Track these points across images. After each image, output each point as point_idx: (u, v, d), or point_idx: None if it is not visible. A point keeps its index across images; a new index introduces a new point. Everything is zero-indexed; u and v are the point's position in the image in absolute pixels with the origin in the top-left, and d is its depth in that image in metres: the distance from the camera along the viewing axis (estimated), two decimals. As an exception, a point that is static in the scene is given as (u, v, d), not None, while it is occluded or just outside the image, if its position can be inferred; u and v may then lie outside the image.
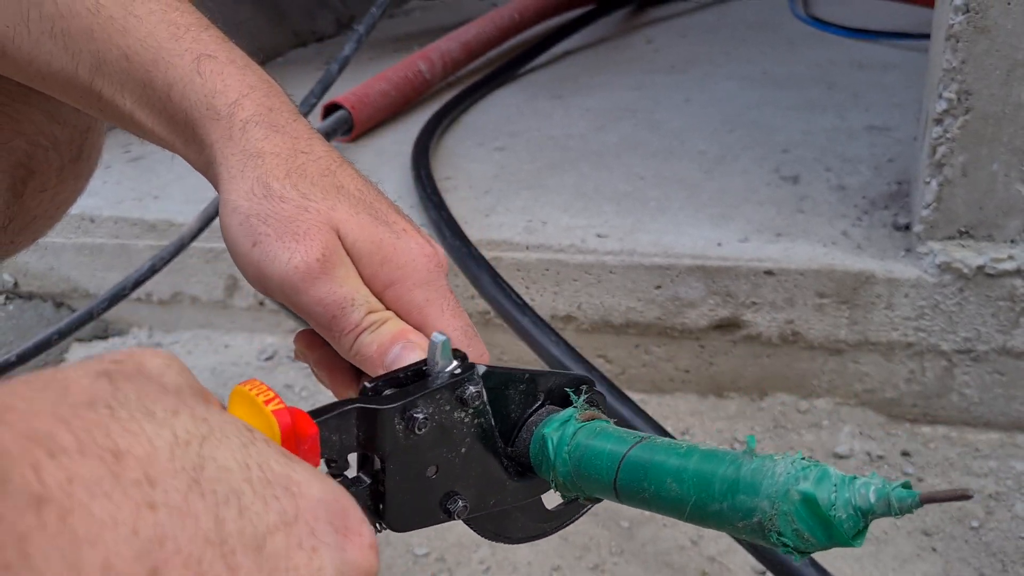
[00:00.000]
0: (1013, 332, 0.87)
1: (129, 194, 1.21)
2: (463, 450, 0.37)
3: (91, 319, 0.95)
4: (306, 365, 0.91)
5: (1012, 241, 0.85)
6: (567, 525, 0.44)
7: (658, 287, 0.96)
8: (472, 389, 0.37)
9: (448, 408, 0.37)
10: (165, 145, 0.46)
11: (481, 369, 0.38)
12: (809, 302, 0.92)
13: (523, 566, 0.78)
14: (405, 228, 0.43)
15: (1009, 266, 0.84)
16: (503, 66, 1.58)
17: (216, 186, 0.44)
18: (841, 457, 0.89)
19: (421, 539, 0.82)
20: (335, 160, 0.44)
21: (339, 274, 0.41)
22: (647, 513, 0.84)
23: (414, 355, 0.40)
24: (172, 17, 0.44)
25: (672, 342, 0.99)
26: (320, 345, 0.44)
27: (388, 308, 0.43)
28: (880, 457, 0.89)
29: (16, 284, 1.25)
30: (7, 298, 1.26)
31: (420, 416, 0.36)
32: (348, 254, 0.42)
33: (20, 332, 1.20)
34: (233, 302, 1.16)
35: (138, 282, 0.93)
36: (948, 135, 0.82)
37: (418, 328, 0.42)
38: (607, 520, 0.83)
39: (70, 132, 0.58)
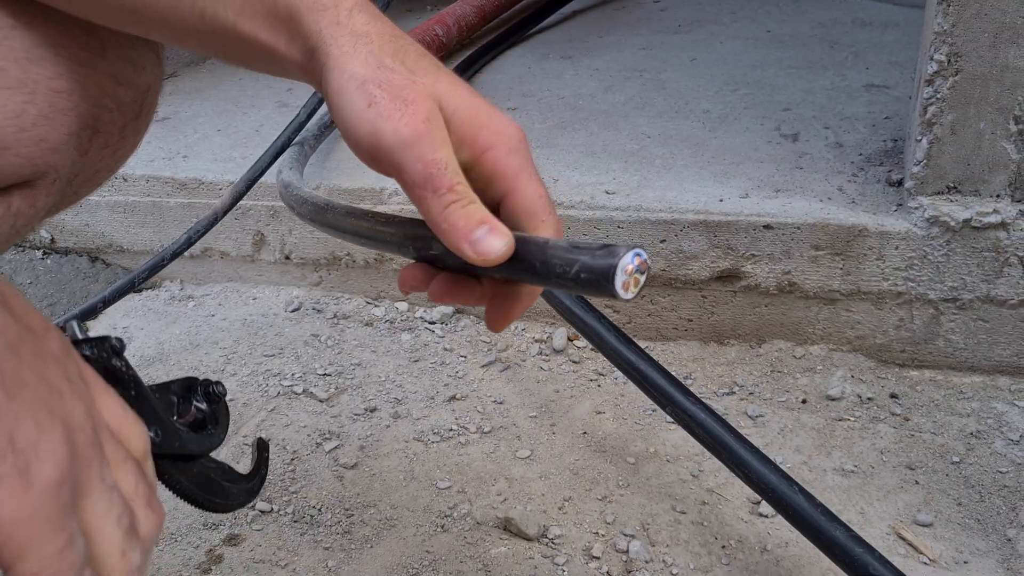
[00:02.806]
0: (996, 281, 0.92)
1: (159, 153, 1.26)
2: (132, 393, 0.43)
3: (132, 288, 1.00)
4: (340, 314, 0.95)
5: (997, 196, 0.90)
6: (261, 487, 0.51)
7: (663, 241, 1.01)
8: (116, 344, 0.43)
9: (107, 355, 0.43)
10: (264, 51, 0.49)
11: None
12: (805, 254, 0.97)
13: (537, 497, 0.85)
14: (494, 107, 0.49)
15: (994, 219, 0.89)
16: (514, 26, 1.62)
17: (324, 67, 0.47)
18: (833, 399, 0.96)
19: (443, 474, 0.89)
20: (423, 48, 0.49)
21: (439, 138, 0.45)
22: (651, 450, 0.91)
23: (496, 240, 0.45)
24: None
25: (676, 292, 1.05)
26: (428, 277, 0.50)
27: (483, 171, 0.48)
28: (870, 399, 0.96)
29: (53, 240, 1.31)
30: (44, 253, 1.32)
31: (87, 353, 0.42)
32: (449, 123, 0.46)
33: (59, 285, 1.27)
34: (260, 257, 1.22)
35: (176, 253, 0.99)
36: (938, 95, 0.87)
37: (509, 191, 0.48)
38: (614, 457, 0.90)
39: (133, 93, 0.62)
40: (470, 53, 1.49)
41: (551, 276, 0.45)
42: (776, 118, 1.23)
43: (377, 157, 0.46)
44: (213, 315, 1.19)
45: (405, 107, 0.45)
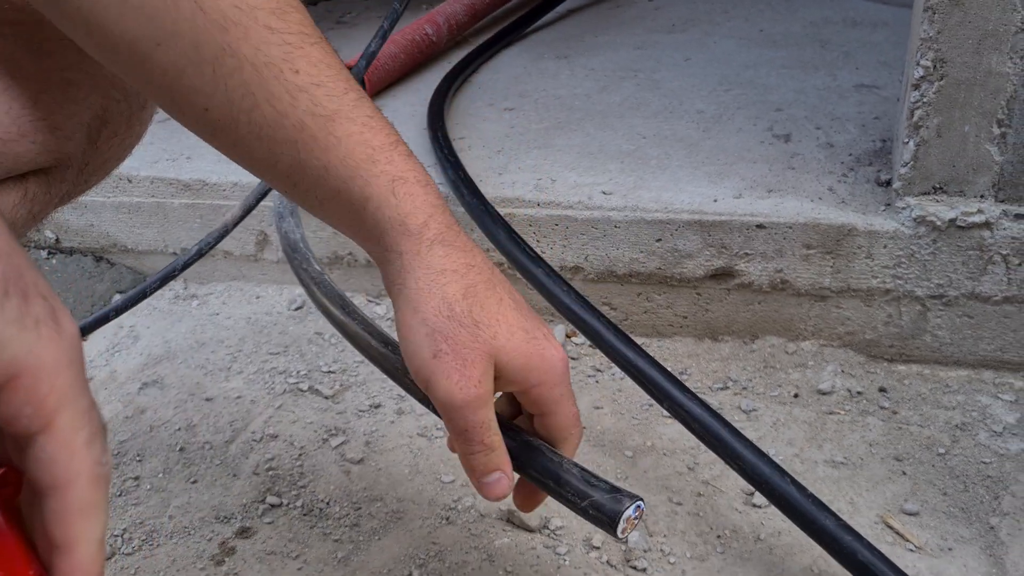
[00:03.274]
0: (981, 279, 0.95)
1: (162, 155, 1.28)
2: None
3: (144, 298, 1.02)
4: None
5: (981, 196, 0.93)
6: None
7: (659, 240, 1.04)
8: None
9: None
10: (346, 232, 0.55)
11: None
12: (797, 253, 1.00)
13: (538, 490, 0.88)
14: (544, 334, 0.55)
15: (978, 219, 0.92)
16: (510, 26, 1.64)
17: (399, 290, 0.53)
18: (824, 393, 0.99)
19: (447, 468, 0.91)
20: (491, 268, 0.56)
21: (485, 400, 0.53)
22: (649, 443, 0.94)
23: (502, 487, 0.56)
24: (368, 138, 0.51)
25: (671, 290, 1.08)
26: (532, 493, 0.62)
27: (529, 400, 0.56)
28: (859, 393, 0.99)
29: (57, 240, 1.33)
30: (49, 252, 1.34)
31: None
32: (503, 372, 0.54)
33: (64, 284, 1.29)
34: (264, 256, 1.24)
35: (187, 264, 1.01)
36: (924, 99, 0.90)
37: (549, 413, 0.57)
38: (612, 450, 0.93)
39: None
40: (467, 53, 1.51)
41: (563, 497, 0.58)
42: (769, 118, 1.26)
43: (427, 391, 0.54)
44: (217, 313, 1.21)
45: (463, 368, 0.52)
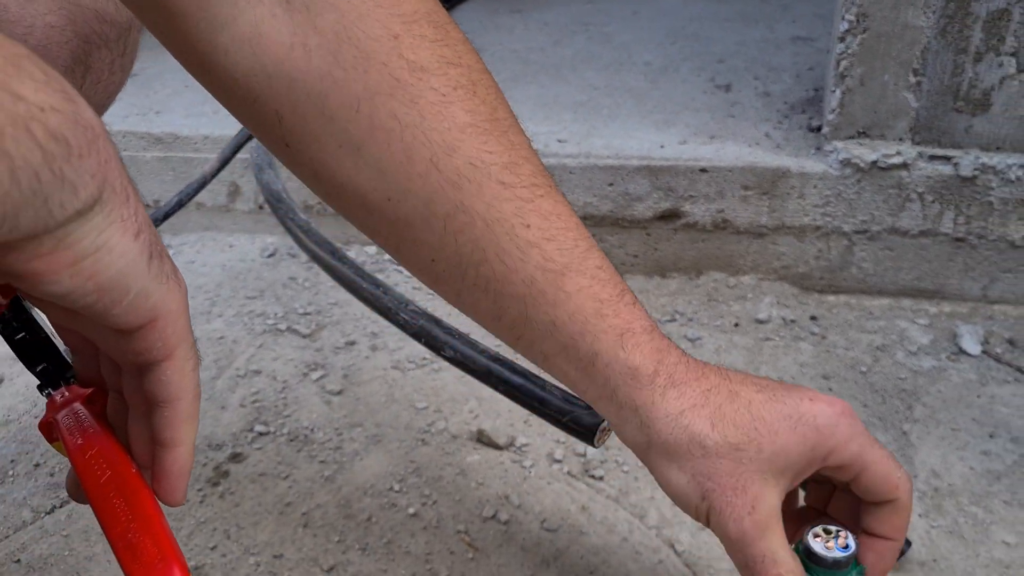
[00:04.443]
0: (900, 215, 1.05)
1: (132, 110, 1.33)
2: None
3: None
4: (305, 258, 1.03)
5: (900, 139, 1.02)
6: None
7: (610, 184, 1.12)
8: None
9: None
10: (574, 388, 0.53)
11: None
12: (736, 194, 1.09)
13: (504, 413, 0.96)
14: (806, 398, 0.50)
15: (897, 160, 1.02)
16: (465, -19, 1.69)
17: (647, 445, 0.51)
18: (761, 322, 1.09)
19: (420, 397, 1.00)
20: (726, 378, 0.51)
21: (762, 532, 0.48)
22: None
23: None
24: (596, 291, 0.49)
25: (623, 231, 1.16)
26: None
27: (830, 469, 0.51)
28: (793, 321, 1.09)
29: (31, 195, 1.37)
30: (23, 208, 1.38)
31: None
32: (790, 468, 0.49)
33: (41, 238, 1.33)
34: (235, 206, 1.30)
35: (168, 214, 1.07)
36: (849, 51, 0.99)
37: (860, 471, 0.50)
38: (571, 377, 1.02)
39: (117, 30, 0.64)
40: (424, 8, 1.56)
41: (547, 415, 0.65)
42: (711, 69, 1.34)
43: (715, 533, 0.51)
44: (193, 262, 1.27)
45: (734, 498, 0.48)
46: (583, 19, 1.57)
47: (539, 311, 0.49)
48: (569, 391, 0.65)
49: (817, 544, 0.52)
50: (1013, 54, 0.94)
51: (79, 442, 0.42)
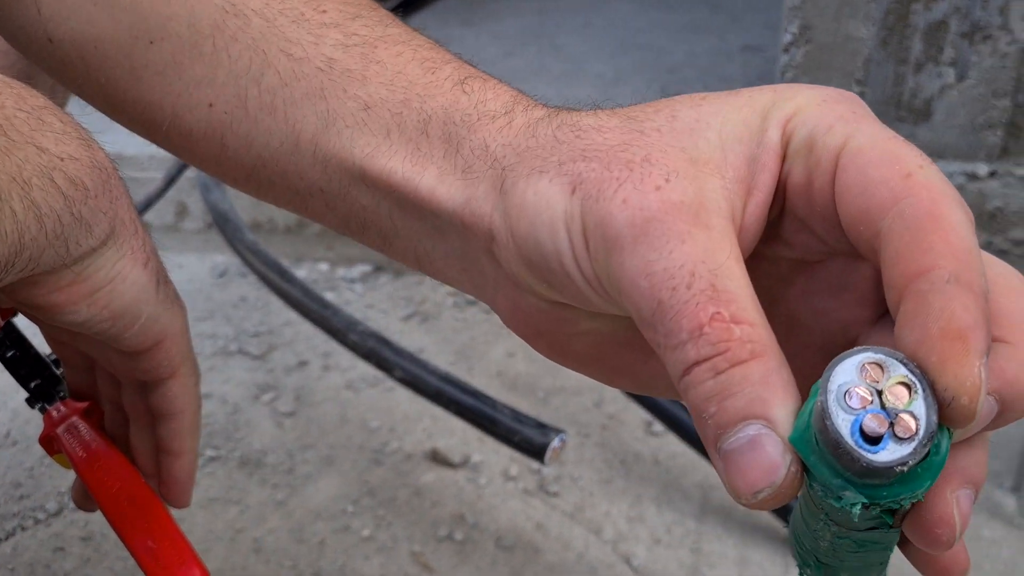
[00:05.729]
0: (848, 223, 1.07)
1: (76, 130, 1.30)
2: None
3: None
4: (256, 277, 1.01)
5: (846, 149, 1.04)
6: None
7: (562, 197, 1.12)
8: None
9: None
10: (405, 196, 0.34)
11: None
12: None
13: (458, 431, 0.96)
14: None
15: (843, 169, 1.03)
16: (416, -6, 1.69)
17: (499, 171, 0.31)
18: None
19: (373, 416, 0.99)
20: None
21: (706, 225, 0.26)
22: (559, 385, 1.03)
23: (763, 468, 0.23)
24: (425, 55, 0.36)
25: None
26: None
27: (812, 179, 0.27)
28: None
29: (-27, 217, 1.34)
30: (-35, 231, 1.35)
31: None
32: (718, 155, 0.28)
33: (-16, 262, 1.30)
34: (183, 226, 1.28)
35: None
36: (793, 63, 1.00)
37: (851, 156, 0.26)
38: (526, 392, 1.02)
39: None
40: (375, 22, 1.55)
41: (497, 435, 0.65)
42: (662, 80, 1.35)
43: (581, 286, 0.29)
44: (142, 283, 1.25)
45: (629, 170, 0.27)
46: (534, 30, 1.57)
47: (345, 99, 0.35)
48: (518, 411, 0.65)
49: (849, 424, 0.22)
50: (952, 64, 0.96)
51: (83, 455, 0.45)
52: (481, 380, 1.04)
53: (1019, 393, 0.24)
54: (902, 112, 0.99)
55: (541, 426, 0.65)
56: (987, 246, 1.04)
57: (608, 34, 1.54)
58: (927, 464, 0.23)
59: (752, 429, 0.23)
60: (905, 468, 0.22)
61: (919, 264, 0.23)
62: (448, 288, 1.20)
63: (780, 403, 0.24)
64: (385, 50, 0.36)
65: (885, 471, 0.22)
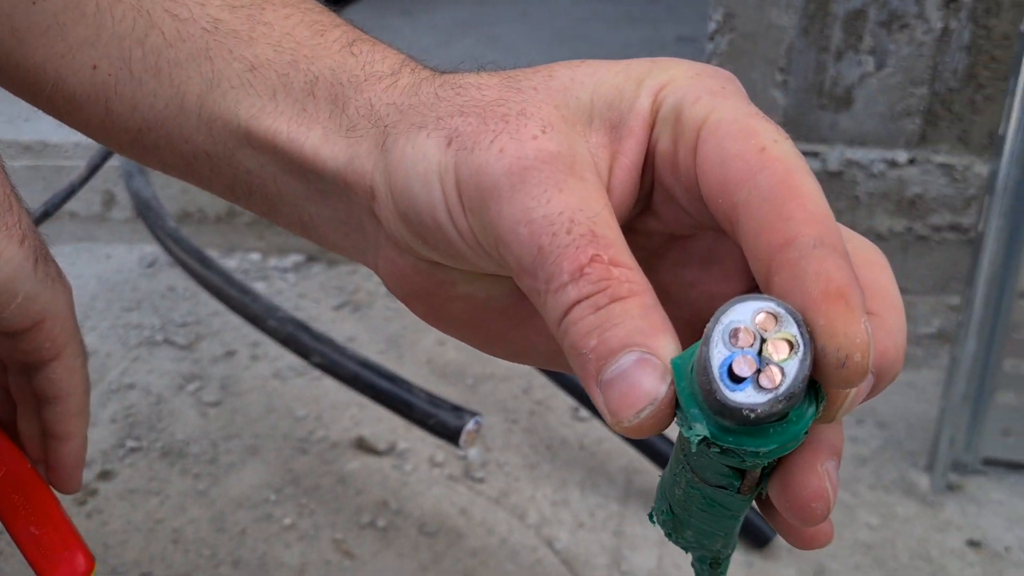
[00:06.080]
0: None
1: (0, 117, 1.27)
2: None
3: None
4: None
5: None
6: None
7: (493, 185, 1.12)
8: None
9: None
10: (290, 158, 0.33)
11: None
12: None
13: (386, 419, 0.95)
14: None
15: (768, 157, 1.05)
16: (353, -17, 1.67)
17: (382, 128, 0.31)
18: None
19: (300, 405, 0.98)
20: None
21: (580, 176, 0.27)
22: (488, 372, 1.03)
23: (644, 388, 0.23)
24: (314, 18, 0.35)
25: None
26: None
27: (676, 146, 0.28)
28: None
29: None
30: None
31: None
32: (594, 110, 0.29)
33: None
34: (111, 215, 1.25)
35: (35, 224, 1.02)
36: (719, 51, 1.01)
37: (710, 127, 0.27)
38: (455, 380, 1.01)
39: None
40: (311, 10, 1.54)
41: (412, 418, 0.63)
42: (596, 70, 1.36)
43: (462, 240, 0.29)
44: (67, 273, 1.22)
45: (505, 123, 0.28)
46: (471, 20, 1.57)
47: (231, 59, 0.34)
48: (433, 394, 0.65)
49: (723, 357, 0.22)
50: (871, 53, 0.97)
51: None
52: (411, 368, 1.03)
53: (891, 362, 0.24)
54: (824, 100, 1.01)
55: (456, 409, 0.65)
56: (907, 232, 1.06)
57: (545, 24, 1.54)
58: (782, 428, 0.22)
59: (635, 355, 0.24)
60: (752, 415, 0.21)
61: (783, 233, 0.23)
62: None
63: (660, 335, 0.24)
64: (273, 12, 0.36)
65: (733, 411, 0.21)
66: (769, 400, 0.21)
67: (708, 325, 0.22)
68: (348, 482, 0.87)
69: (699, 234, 0.30)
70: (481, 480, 0.88)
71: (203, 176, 0.37)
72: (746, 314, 0.22)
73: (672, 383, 0.23)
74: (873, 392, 0.25)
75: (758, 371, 0.21)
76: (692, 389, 0.23)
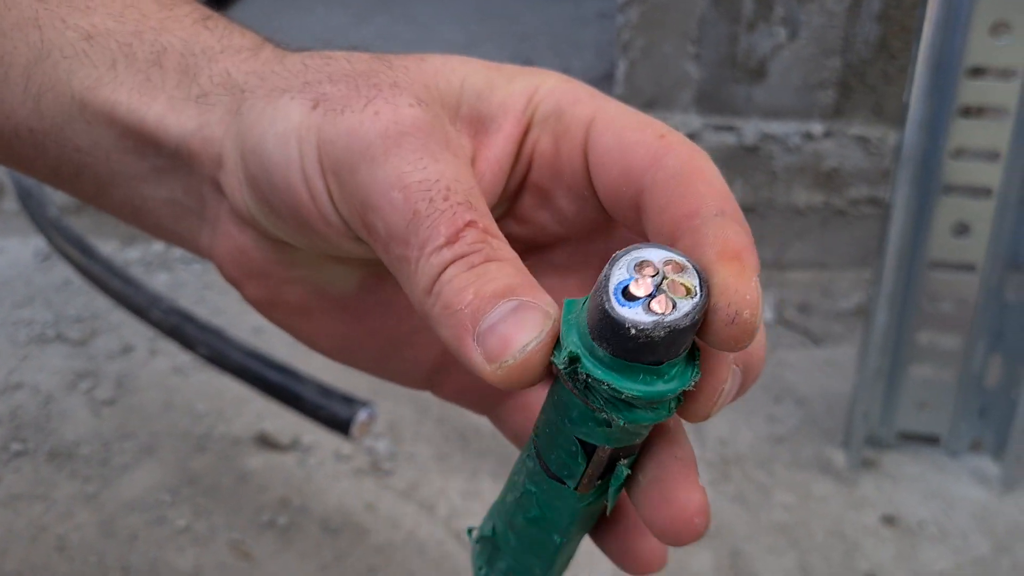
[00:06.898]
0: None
1: None
2: None
3: None
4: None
5: (685, 110, 1.03)
6: None
7: (404, 166, 1.08)
8: None
9: None
10: (128, 130, 0.31)
11: None
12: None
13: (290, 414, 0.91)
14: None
15: (684, 131, 1.02)
16: (265, -39, 1.61)
17: (237, 99, 0.30)
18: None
19: (201, 401, 0.93)
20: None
21: (430, 138, 0.26)
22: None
23: (526, 327, 0.22)
24: None
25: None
26: None
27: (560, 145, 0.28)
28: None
29: None
30: None
31: None
32: (459, 101, 0.28)
33: None
34: (3, 207, 1.19)
35: None
36: (630, 23, 0.98)
37: (599, 129, 0.27)
38: (363, 373, 0.98)
39: None
40: (218, -11, 1.47)
41: (303, 410, 0.60)
42: (513, 47, 1.32)
43: (326, 211, 0.27)
44: (-43, 269, 1.15)
45: (368, 90, 0.27)
46: (389, -1, 1.52)
47: (65, 28, 0.31)
48: (326, 385, 0.61)
49: (622, 279, 0.22)
50: (783, 23, 0.96)
51: None
52: (319, 361, 0.98)
53: (757, 362, 0.25)
54: (738, 73, 0.99)
55: (348, 400, 0.61)
56: (825, 207, 1.05)
57: (465, 2, 1.50)
58: (651, 379, 0.22)
59: (513, 302, 0.23)
60: (632, 330, 0.21)
61: (689, 205, 0.24)
62: (291, 265, 1.15)
63: (539, 291, 0.23)
64: None
65: (616, 324, 0.21)
66: (653, 321, 0.21)
67: (617, 253, 0.22)
68: (249, 480, 0.83)
69: (558, 244, 0.30)
70: (390, 473, 0.84)
71: (24, 157, 0.33)
72: (655, 256, 0.22)
73: (556, 322, 0.23)
74: (739, 392, 0.25)
75: (651, 297, 0.21)
76: (578, 319, 0.22)
